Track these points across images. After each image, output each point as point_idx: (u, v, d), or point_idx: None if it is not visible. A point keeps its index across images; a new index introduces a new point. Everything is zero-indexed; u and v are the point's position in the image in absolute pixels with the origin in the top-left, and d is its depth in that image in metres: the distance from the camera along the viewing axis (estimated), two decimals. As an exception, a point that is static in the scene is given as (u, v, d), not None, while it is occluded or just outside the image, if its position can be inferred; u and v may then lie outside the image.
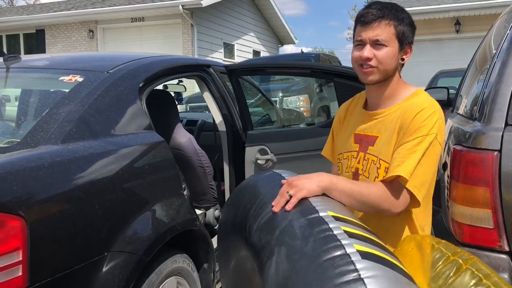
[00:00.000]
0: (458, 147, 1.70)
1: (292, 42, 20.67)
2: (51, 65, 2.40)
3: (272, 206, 1.29)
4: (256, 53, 17.76)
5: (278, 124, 4.20)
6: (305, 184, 1.29)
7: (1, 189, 1.35)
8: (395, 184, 1.35)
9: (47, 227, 1.44)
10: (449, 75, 8.00)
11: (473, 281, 1.12)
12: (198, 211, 2.83)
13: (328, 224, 1.14)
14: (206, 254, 2.28)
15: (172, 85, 5.08)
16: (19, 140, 1.71)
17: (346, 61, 23.04)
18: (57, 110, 1.80)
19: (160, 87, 2.89)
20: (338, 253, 1.04)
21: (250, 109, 3.15)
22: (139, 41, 14.49)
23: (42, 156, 1.55)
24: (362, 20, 1.43)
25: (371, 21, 1.41)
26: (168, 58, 2.60)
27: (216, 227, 3.10)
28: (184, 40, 13.90)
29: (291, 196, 1.28)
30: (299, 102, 7.04)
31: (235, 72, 2.85)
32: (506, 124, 1.59)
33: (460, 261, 1.17)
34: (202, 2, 12.99)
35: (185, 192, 2.19)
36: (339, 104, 2.82)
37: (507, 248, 1.57)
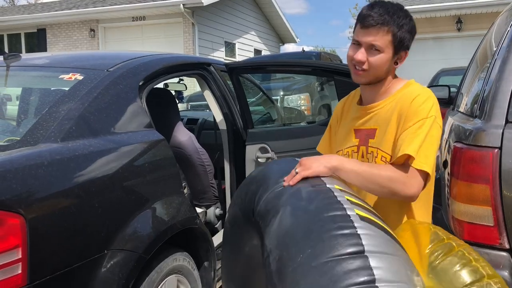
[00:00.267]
0: (459, 145, 1.69)
1: (294, 41, 20.66)
2: (51, 63, 2.40)
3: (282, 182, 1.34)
4: (257, 52, 17.74)
5: (279, 123, 4.19)
6: (312, 164, 1.34)
7: (1, 187, 1.36)
8: (406, 166, 1.37)
9: (46, 225, 1.44)
10: (450, 74, 7.98)
11: (463, 261, 1.16)
12: (198, 210, 2.83)
13: (333, 193, 1.21)
14: (206, 252, 2.28)
15: (173, 84, 5.08)
16: (19, 138, 1.71)
17: (348, 60, 22.87)
18: (57, 108, 1.80)
19: (160, 85, 2.89)
20: (339, 213, 1.12)
21: (251, 108, 3.15)
22: (140, 40, 14.49)
23: (42, 154, 1.55)
24: (363, 23, 1.45)
25: (371, 26, 1.42)
26: (168, 56, 2.60)
27: (216, 226, 3.10)
28: (185, 39, 13.90)
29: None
30: (300, 101, 7.03)
31: (235, 70, 2.85)
32: (507, 122, 1.59)
33: (454, 243, 1.22)
34: (203, 1, 12.97)
35: (185, 191, 2.19)
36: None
37: (507, 246, 1.56)
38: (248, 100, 3.03)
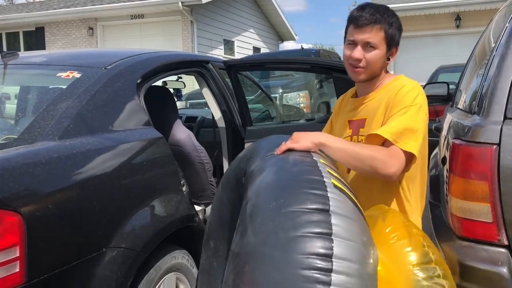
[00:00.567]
0: (457, 141, 1.69)
1: (292, 39, 20.63)
2: (49, 61, 2.39)
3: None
4: (256, 49, 17.72)
5: (278, 120, 4.19)
6: (301, 138, 1.43)
7: (-2, 185, 1.35)
8: (388, 147, 1.46)
9: (44, 223, 1.44)
10: (449, 71, 7.96)
11: (415, 245, 1.26)
12: (197, 207, 2.82)
13: (317, 164, 1.32)
14: (205, 250, 2.28)
15: (171, 82, 5.07)
16: (16, 137, 1.71)
17: (347, 57, 22.80)
18: (55, 106, 1.80)
19: (159, 83, 2.88)
20: (317, 177, 1.24)
21: (250, 105, 3.14)
22: (138, 38, 14.46)
23: (39, 152, 1.54)
24: (356, 23, 1.56)
25: (365, 25, 1.54)
26: (166, 54, 2.59)
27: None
28: (184, 37, 13.87)
29: None
30: (299, 98, 7.02)
31: (233, 67, 2.84)
32: (505, 118, 1.58)
33: (413, 230, 1.33)
34: (201, -2, 12.96)
35: (184, 188, 2.19)
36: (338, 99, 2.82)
37: (506, 242, 1.56)
38: (247, 97, 3.03)
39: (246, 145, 2.84)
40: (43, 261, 1.43)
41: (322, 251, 1.08)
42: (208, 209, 3.03)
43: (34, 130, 1.68)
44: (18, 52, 2.41)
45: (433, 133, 3.36)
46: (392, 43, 1.58)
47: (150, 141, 2.00)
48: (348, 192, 1.27)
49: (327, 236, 1.09)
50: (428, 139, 1.65)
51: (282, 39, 20.25)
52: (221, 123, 2.92)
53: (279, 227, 1.12)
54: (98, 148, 1.72)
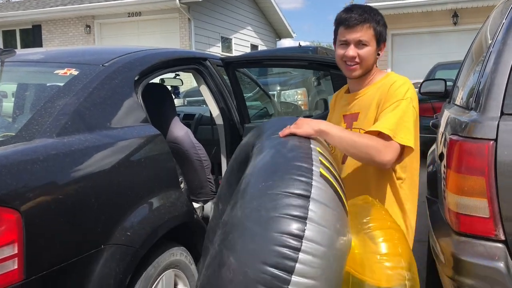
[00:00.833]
0: (454, 137, 1.70)
1: (290, 36, 20.61)
2: (46, 58, 2.39)
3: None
4: (253, 47, 17.71)
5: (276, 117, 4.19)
6: (304, 125, 1.54)
7: (-4, 183, 1.35)
8: (384, 138, 1.55)
9: (42, 220, 1.44)
10: (447, 67, 7.96)
11: (388, 237, 1.38)
12: (196, 205, 2.83)
13: (312, 151, 1.44)
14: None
15: (169, 79, 5.06)
16: (14, 134, 1.70)
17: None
18: (52, 104, 1.80)
19: (156, 80, 2.88)
20: (306, 165, 1.35)
21: (248, 103, 3.14)
22: (136, 36, 14.43)
23: (37, 149, 1.54)
24: (347, 24, 1.66)
25: (355, 25, 1.64)
26: (164, 51, 2.59)
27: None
28: (181, 34, 13.85)
29: None
30: (297, 96, 7.02)
31: (231, 64, 2.84)
32: (502, 114, 1.59)
33: (389, 223, 1.44)
34: (198, -4, 12.93)
35: (182, 185, 2.19)
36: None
37: (502, 237, 1.57)
38: (245, 95, 3.03)
39: (244, 142, 2.85)
40: (42, 258, 1.43)
41: (295, 231, 1.21)
42: (207, 206, 3.04)
43: (32, 127, 1.68)
44: (15, 50, 2.41)
45: (431, 130, 3.37)
46: (380, 39, 1.70)
47: (148, 138, 2.00)
48: (333, 182, 1.37)
49: (302, 219, 1.23)
50: (426, 136, 1.68)
51: (279, 37, 20.23)
52: (219, 121, 2.92)
53: (262, 206, 1.27)
54: (96, 145, 1.72)
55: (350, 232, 1.38)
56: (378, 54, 1.72)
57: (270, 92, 6.01)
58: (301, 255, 1.19)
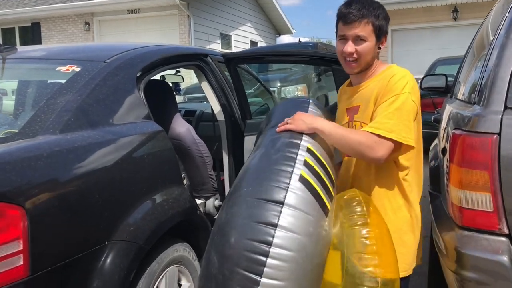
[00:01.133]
0: (457, 131, 1.70)
1: (289, 32, 20.58)
2: (48, 55, 2.38)
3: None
4: (253, 43, 17.68)
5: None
6: (299, 120, 1.61)
7: (0, 179, 1.35)
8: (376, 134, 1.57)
9: (47, 216, 1.44)
10: (447, 63, 7.95)
11: (367, 236, 1.45)
12: (198, 201, 2.83)
13: (298, 150, 1.51)
14: (206, 243, 2.28)
15: (169, 76, 5.05)
16: (17, 131, 1.70)
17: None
18: (55, 100, 1.79)
19: (158, 77, 2.87)
20: (288, 169, 1.44)
21: (249, 99, 3.14)
22: (135, 33, 14.40)
23: (41, 146, 1.54)
24: (345, 20, 1.65)
25: (353, 21, 1.63)
26: (165, 48, 2.58)
27: (215, 217, 3.10)
28: (181, 31, 13.82)
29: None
30: (297, 92, 7.02)
31: (233, 60, 2.84)
32: (505, 108, 1.59)
33: (370, 221, 1.49)
34: (198, -8, 12.89)
35: (184, 182, 2.19)
36: (337, 90, 2.82)
37: (506, 231, 1.57)
38: (245, 91, 3.02)
39: (246, 138, 2.85)
40: (46, 254, 1.43)
41: (264, 238, 1.33)
42: (209, 202, 3.04)
43: (35, 124, 1.68)
44: (16, 47, 2.40)
45: (432, 125, 3.37)
46: (381, 33, 1.68)
47: (151, 134, 1.99)
48: (314, 184, 1.45)
49: (273, 226, 1.34)
50: (428, 131, 1.68)
51: (279, 33, 20.20)
52: (220, 117, 2.92)
53: (240, 212, 1.40)
54: (99, 142, 1.72)
55: (331, 230, 1.48)
56: (379, 48, 1.71)
57: (270, 89, 6.00)
58: (269, 260, 1.31)
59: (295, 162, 1.46)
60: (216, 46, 14.84)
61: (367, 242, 1.44)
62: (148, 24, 14.32)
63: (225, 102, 2.89)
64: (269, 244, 1.32)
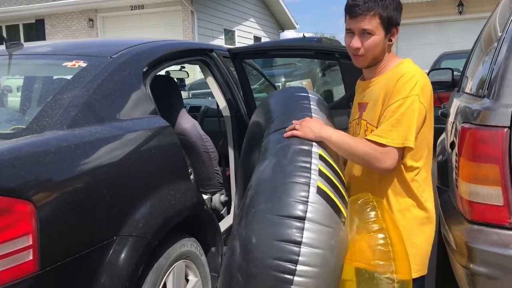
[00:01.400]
0: (467, 125, 1.68)
1: (293, 28, 20.50)
2: (54, 51, 2.38)
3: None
4: (257, 39, 17.63)
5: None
6: (306, 128, 1.60)
7: (9, 174, 1.35)
8: (378, 144, 1.53)
9: (56, 211, 1.44)
10: (452, 57, 7.91)
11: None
12: (204, 196, 2.82)
13: (311, 159, 1.50)
14: (213, 238, 2.28)
15: (175, 71, 5.05)
16: (24, 126, 1.70)
17: (348, 46, 22.68)
18: (62, 96, 1.79)
19: (163, 72, 2.87)
20: (304, 180, 1.43)
21: (254, 94, 3.13)
22: (139, 29, 14.40)
23: (49, 141, 1.54)
24: (351, 13, 1.59)
25: (359, 14, 1.57)
26: (171, 43, 2.58)
27: (222, 212, 3.10)
28: (185, 27, 13.80)
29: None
30: (302, 87, 6.98)
31: (238, 55, 2.82)
32: (516, 101, 1.58)
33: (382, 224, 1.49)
34: (201, -12, 12.87)
35: (191, 177, 2.19)
36: (345, 85, 2.81)
37: (516, 225, 1.56)
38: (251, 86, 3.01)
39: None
40: (56, 249, 1.43)
41: (289, 257, 1.34)
42: (215, 197, 3.04)
43: (42, 119, 1.68)
44: (22, 43, 2.40)
45: (439, 120, 3.35)
46: (390, 25, 1.60)
47: (158, 129, 1.99)
48: (331, 194, 1.44)
49: (297, 245, 1.35)
50: (434, 126, 1.65)
51: (282, 28, 20.13)
52: (226, 112, 2.91)
53: (261, 231, 1.39)
54: (106, 137, 1.72)
55: (348, 237, 1.48)
56: (390, 40, 1.63)
57: (275, 84, 5.99)
58: (296, 278, 1.33)
59: (310, 173, 1.45)
60: (219, 42, 14.81)
61: (384, 248, 1.44)
62: (151, 20, 14.31)
63: (231, 98, 2.88)
64: (295, 262, 1.33)
